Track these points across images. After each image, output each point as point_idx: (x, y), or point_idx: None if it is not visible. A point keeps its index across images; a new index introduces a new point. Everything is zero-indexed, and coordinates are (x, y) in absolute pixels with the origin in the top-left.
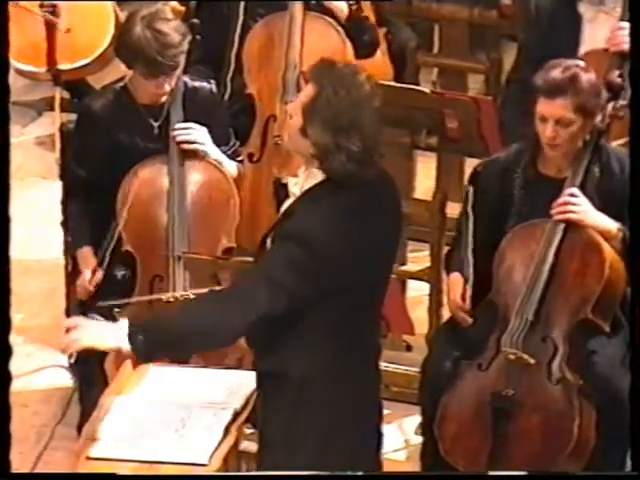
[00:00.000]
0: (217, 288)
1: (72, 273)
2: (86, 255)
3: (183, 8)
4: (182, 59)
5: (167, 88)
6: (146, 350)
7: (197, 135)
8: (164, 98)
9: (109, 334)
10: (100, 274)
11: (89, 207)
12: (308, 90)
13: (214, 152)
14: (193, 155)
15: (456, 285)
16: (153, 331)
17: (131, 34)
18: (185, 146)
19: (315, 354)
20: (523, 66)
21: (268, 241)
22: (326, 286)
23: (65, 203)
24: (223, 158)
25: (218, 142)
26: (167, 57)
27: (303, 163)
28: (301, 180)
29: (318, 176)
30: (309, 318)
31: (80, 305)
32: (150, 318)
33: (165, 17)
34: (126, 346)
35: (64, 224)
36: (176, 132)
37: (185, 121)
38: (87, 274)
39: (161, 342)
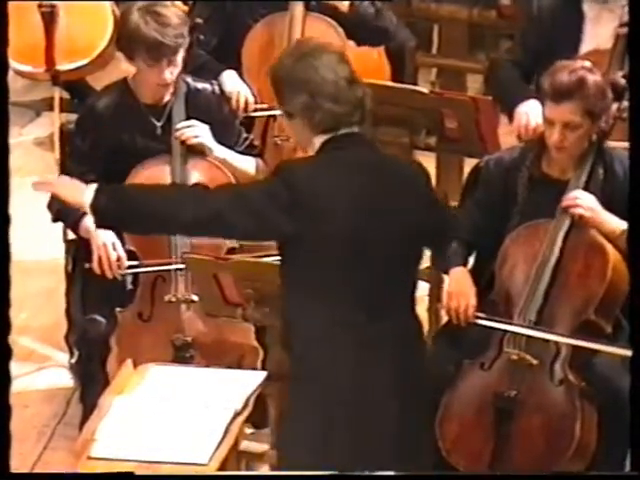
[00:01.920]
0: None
1: (72, 273)
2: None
3: (186, 8)
4: (183, 44)
5: (169, 77)
6: (104, 211)
7: (200, 131)
8: (167, 97)
9: (78, 189)
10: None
11: None
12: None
13: (218, 149)
14: (196, 154)
15: (465, 283)
16: (117, 198)
17: (129, 21)
18: (189, 141)
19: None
20: (518, 50)
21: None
22: (312, 237)
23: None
24: (232, 156)
25: (226, 142)
26: (167, 37)
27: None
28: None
29: (316, 145)
30: (299, 271)
31: (81, 305)
32: (120, 187)
33: (162, 4)
34: (87, 202)
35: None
36: (179, 130)
37: (187, 120)
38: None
39: (120, 210)
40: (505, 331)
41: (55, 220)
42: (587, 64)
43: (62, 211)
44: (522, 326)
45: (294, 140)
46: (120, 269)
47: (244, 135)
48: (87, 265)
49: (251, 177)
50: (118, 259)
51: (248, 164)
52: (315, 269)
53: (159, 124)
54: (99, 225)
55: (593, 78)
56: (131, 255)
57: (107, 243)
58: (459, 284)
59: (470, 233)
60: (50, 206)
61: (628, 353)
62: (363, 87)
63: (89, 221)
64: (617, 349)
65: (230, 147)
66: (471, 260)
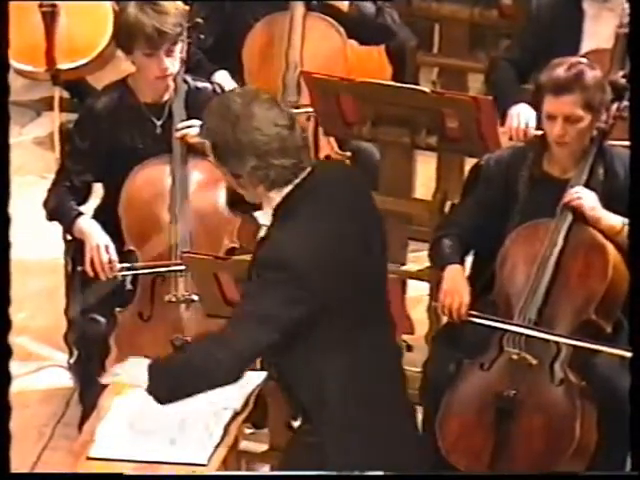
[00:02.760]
0: (213, 332)
1: (72, 273)
2: (85, 221)
3: (187, 7)
4: (182, 35)
5: (169, 67)
6: (165, 397)
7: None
8: (166, 96)
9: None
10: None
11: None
12: (208, 148)
13: None
14: (196, 154)
15: (460, 281)
16: (163, 379)
17: (127, 15)
18: (190, 140)
19: (331, 366)
20: (515, 49)
21: (252, 273)
22: (321, 300)
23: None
24: None
25: None
26: (165, 25)
27: (260, 200)
28: (265, 210)
29: (275, 200)
30: (316, 333)
31: (80, 305)
32: (160, 365)
33: (161, 3)
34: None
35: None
36: (180, 129)
37: (188, 119)
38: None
39: (171, 388)
40: (500, 329)
41: (50, 219)
42: (585, 60)
43: (57, 210)
44: (520, 325)
45: (249, 198)
46: (112, 271)
47: None
48: (79, 267)
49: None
50: (110, 261)
51: None
52: (329, 323)
53: (159, 123)
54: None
55: (592, 72)
56: (131, 255)
57: (100, 245)
58: (453, 282)
59: (467, 231)
60: (46, 204)
61: (626, 354)
62: (297, 123)
63: (83, 222)
64: (614, 349)
65: None
66: (470, 259)
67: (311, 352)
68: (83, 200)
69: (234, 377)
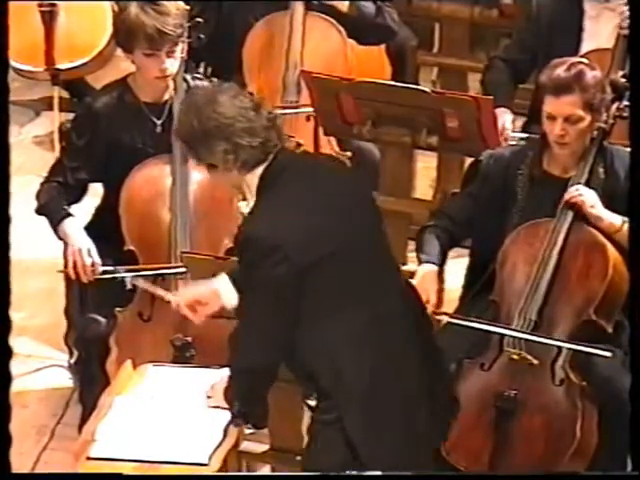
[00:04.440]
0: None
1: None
2: (72, 222)
3: (187, 7)
4: (182, 36)
5: (169, 67)
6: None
7: None
8: (166, 96)
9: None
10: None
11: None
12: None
13: None
14: None
15: (430, 281)
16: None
17: (128, 14)
18: None
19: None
20: (514, 48)
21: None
22: (302, 263)
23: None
24: None
25: None
26: (166, 25)
27: (241, 188)
28: (248, 198)
29: (253, 183)
30: (311, 301)
31: (80, 305)
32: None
33: (162, 3)
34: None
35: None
36: None
37: None
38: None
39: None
40: (480, 330)
41: (39, 213)
42: (585, 60)
43: (46, 206)
44: (499, 326)
45: (225, 186)
46: (94, 274)
47: None
48: (60, 270)
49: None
50: (93, 264)
51: None
52: (324, 291)
53: (159, 123)
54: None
55: (592, 72)
56: (131, 255)
57: (82, 248)
58: (423, 280)
59: (456, 223)
60: (37, 197)
61: (606, 354)
62: (266, 106)
63: (68, 224)
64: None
65: None
66: (467, 259)
67: (316, 322)
68: (76, 199)
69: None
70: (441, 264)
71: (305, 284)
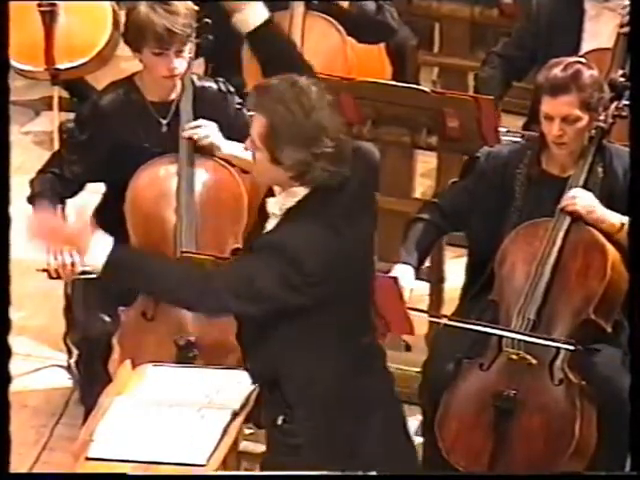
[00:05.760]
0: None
1: None
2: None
3: (196, 7)
4: (191, 35)
5: (177, 66)
6: (114, 277)
7: (210, 130)
8: (173, 95)
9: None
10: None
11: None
12: (258, 121)
13: (228, 146)
14: (202, 154)
15: (405, 281)
16: (130, 268)
17: (138, 13)
18: (200, 142)
19: (314, 360)
20: (512, 46)
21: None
22: (318, 294)
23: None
24: (240, 152)
25: (236, 137)
26: (176, 25)
27: (280, 187)
28: (280, 199)
29: (299, 193)
30: (308, 329)
31: (83, 304)
32: (134, 255)
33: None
34: (100, 262)
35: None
36: (188, 130)
37: (194, 119)
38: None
39: (131, 280)
40: (477, 331)
41: (29, 201)
42: (582, 60)
43: (36, 197)
44: (492, 327)
45: (259, 177)
46: (73, 274)
47: None
48: (40, 269)
49: None
50: (72, 264)
51: None
52: (318, 317)
53: (165, 122)
54: (107, 280)
55: (589, 72)
56: None
57: (63, 248)
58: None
59: (447, 216)
60: (31, 184)
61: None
62: (348, 129)
63: None
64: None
65: (241, 141)
66: (466, 259)
67: (302, 349)
68: (70, 194)
69: (200, 306)
70: (420, 262)
71: (306, 305)
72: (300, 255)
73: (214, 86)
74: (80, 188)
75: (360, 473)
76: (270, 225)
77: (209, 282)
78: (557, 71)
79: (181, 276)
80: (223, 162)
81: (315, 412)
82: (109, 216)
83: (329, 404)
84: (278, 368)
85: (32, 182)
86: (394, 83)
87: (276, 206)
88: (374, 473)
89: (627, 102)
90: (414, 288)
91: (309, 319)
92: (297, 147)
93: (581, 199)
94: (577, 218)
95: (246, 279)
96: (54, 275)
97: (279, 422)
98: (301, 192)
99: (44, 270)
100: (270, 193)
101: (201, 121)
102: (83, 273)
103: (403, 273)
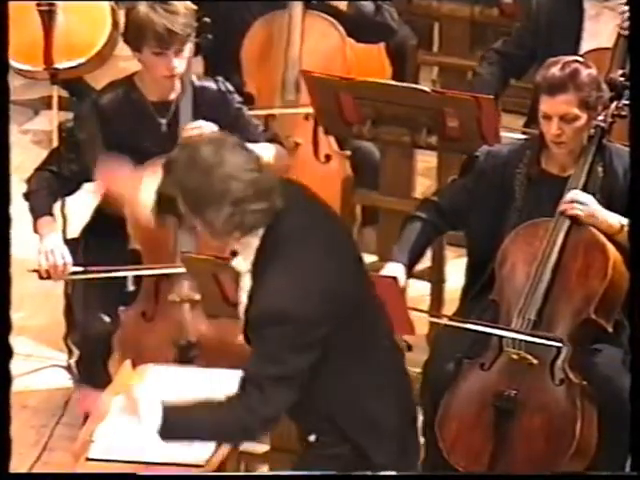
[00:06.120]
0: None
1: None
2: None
3: (195, 7)
4: (191, 35)
5: (177, 66)
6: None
7: (208, 129)
8: (172, 95)
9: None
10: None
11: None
12: (180, 203)
13: None
14: None
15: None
16: (179, 429)
17: (137, 13)
18: None
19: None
20: (511, 42)
21: (255, 329)
22: (327, 337)
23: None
24: None
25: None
26: (176, 24)
27: (235, 246)
28: (241, 255)
29: (253, 242)
30: (324, 367)
31: (83, 304)
32: (179, 415)
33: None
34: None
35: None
36: (187, 131)
37: (194, 119)
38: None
39: (183, 437)
40: (477, 332)
41: (25, 198)
42: (580, 58)
43: (33, 195)
44: (494, 327)
45: (214, 246)
46: (64, 274)
47: (254, 123)
48: (31, 269)
49: (271, 164)
50: (64, 265)
51: (266, 152)
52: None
53: (164, 122)
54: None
55: (586, 70)
56: (135, 254)
57: (55, 249)
58: None
59: (445, 215)
60: (28, 181)
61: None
62: (264, 163)
63: (45, 223)
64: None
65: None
66: (465, 259)
67: (322, 383)
68: (67, 192)
69: (257, 438)
70: (414, 261)
71: (330, 341)
72: (298, 311)
73: (213, 86)
74: (77, 187)
75: (359, 473)
76: (245, 283)
77: (252, 410)
78: (555, 70)
79: (226, 422)
80: None
81: (355, 420)
82: (112, 215)
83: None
84: (309, 387)
85: (29, 179)
86: (394, 83)
87: (242, 264)
88: (373, 473)
89: (627, 102)
90: (406, 287)
91: (330, 341)
92: (215, 205)
93: (580, 201)
94: (576, 221)
95: (277, 378)
96: (44, 275)
97: (312, 439)
98: (254, 241)
99: (35, 271)
100: None
101: (201, 122)
102: (74, 273)
103: (393, 271)
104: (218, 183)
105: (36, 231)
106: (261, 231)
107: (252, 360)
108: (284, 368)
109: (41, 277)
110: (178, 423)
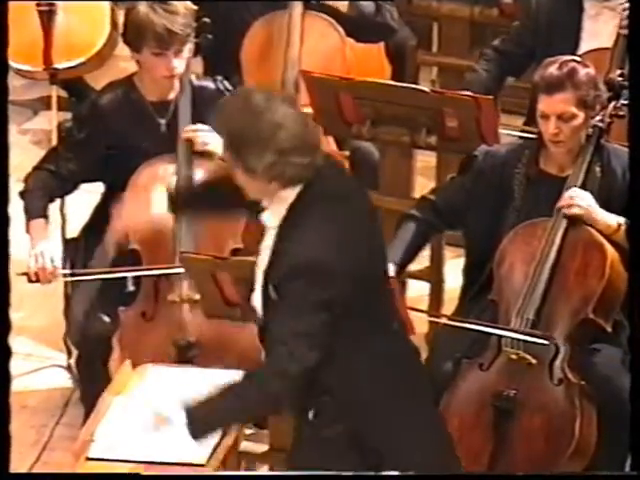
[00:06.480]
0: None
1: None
2: (41, 225)
3: (195, 7)
4: (190, 35)
5: (177, 66)
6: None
7: (209, 138)
8: (171, 95)
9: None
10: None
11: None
12: (221, 143)
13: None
14: (201, 154)
15: None
16: (204, 422)
17: (137, 13)
18: (198, 148)
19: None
20: (510, 41)
21: (271, 290)
22: (343, 303)
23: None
24: None
25: None
26: (176, 25)
27: (269, 197)
28: (273, 209)
29: (288, 197)
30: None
31: (83, 304)
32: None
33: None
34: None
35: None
36: (187, 134)
37: (193, 119)
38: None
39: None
40: (476, 331)
41: (20, 196)
42: (577, 58)
43: (28, 195)
44: (493, 326)
45: (253, 194)
46: (53, 277)
47: None
48: (20, 272)
49: None
50: (54, 268)
51: None
52: (349, 307)
53: (164, 122)
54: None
55: (584, 69)
56: (134, 254)
57: (45, 252)
58: None
59: (442, 214)
60: (26, 180)
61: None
62: (312, 121)
63: (37, 225)
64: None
65: None
66: (464, 259)
67: (339, 334)
68: (64, 192)
69: (284, 403)
70: (407, 261)
71: (346, 306)
72: (328, 264)
73: (212, 85)
74: (74, 187)
75: (362, 473)
76: (269, 239)
77: (279, 375)
78: (552, 69)
79: (255, 398)
80: (222, 162)
81: (354, 398)
82: (109, 216)
83: (367, 389)
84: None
85: (27, 178)
86: (393, 83)
87: (271, 218)
88: (374, 473)
89: (625, 102)
90: (405, 287)
91: (341, 307)
92: (259, 150)
93: (579, 200)
94: (574, 219)
95: (302, 335)
96: (33, 278)
97: (310, 417)
98: (290, 195)
99: (24, 274)
100: None
101: (200, 126)
102: (64, 276)
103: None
104: (266, 129)
105: (28, 232)
106: (299, 187)
107: (276, 320)
108: (306, 324)
109: (30, 280)
110: (207, 418)
